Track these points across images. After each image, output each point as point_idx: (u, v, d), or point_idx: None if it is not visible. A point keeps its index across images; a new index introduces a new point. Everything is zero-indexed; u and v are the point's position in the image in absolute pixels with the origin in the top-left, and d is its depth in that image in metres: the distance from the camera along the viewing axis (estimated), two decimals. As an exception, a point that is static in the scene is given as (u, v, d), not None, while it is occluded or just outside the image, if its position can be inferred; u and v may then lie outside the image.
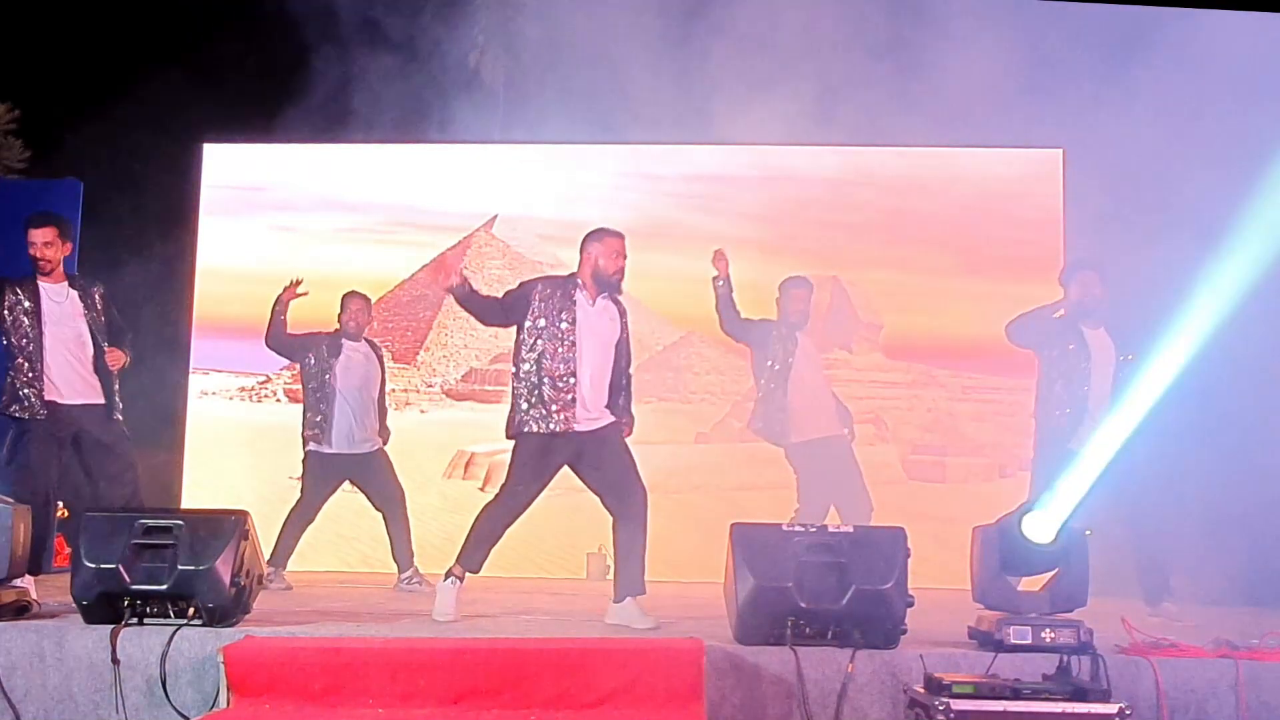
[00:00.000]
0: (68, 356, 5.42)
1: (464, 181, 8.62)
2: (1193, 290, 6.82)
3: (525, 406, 4.85)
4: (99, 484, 5.47)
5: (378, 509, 6.52)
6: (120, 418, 5.52)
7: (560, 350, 4.82)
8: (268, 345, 6.57)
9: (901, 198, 8.21)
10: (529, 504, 4.92)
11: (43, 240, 5.39)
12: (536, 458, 4.85)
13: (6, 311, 5.36)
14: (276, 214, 8.60)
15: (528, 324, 4.90)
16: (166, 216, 8.30)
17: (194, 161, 8.52)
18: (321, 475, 6.49)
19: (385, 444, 6.61)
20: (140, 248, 7.80)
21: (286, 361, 8.30)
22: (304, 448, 6.50)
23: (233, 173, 8.65)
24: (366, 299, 6.65)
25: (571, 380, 4.81)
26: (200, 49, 8.05)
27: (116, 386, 5.52)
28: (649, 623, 4.62)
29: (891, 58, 7.63)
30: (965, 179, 8.20)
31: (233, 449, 8.19)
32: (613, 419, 4.91)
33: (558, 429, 4.79)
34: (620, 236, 4.98)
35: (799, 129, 7.91)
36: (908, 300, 8.10)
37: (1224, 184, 6.63)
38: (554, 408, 4.79)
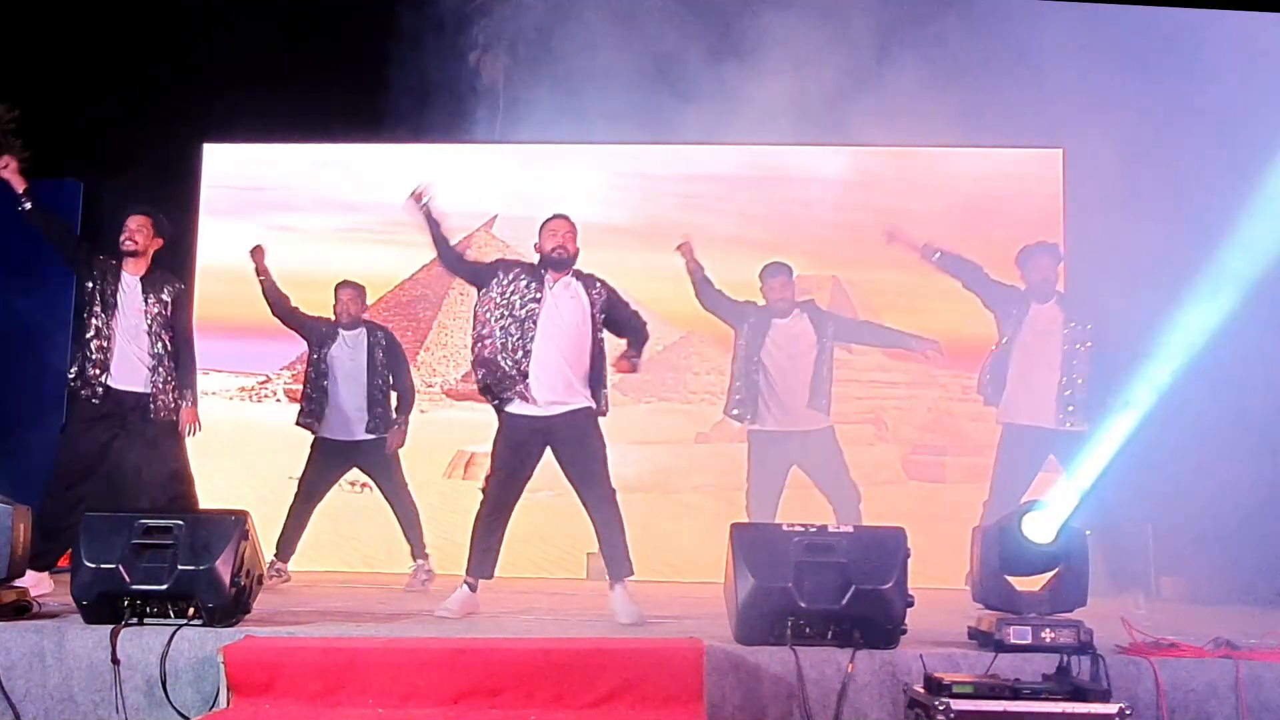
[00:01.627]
0: (126, 345, 5.56)
1: (464, 181, 8.62)
2: (1193, 290, 6.83)
3: (482, 375, 4.99)
4: (142, 486, 5.54)
5: (385, 497, 6.57)
6: (156, 418, 5.56)
7: (518, 330, 4.95)
8: (275, 315, 6.63)
9: (901, 198, 8.21)
10: (515, 494, 5.02)
11: (135, 225, 5.64)
12: (511, 448, 5.00)
13: (91, 284, 5.56)
14: (276, 214, 8.60)
15: (487, 295, 5.05)
16: (166, 216, 8.28)
17: (194, 161, 8.52)
18: (321, 459, 6.55)
19: (398, 429, 6.58)
20: (140, 248, 7.78)
21: (286, 361, 8.34)
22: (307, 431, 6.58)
23: (233, 173, 8.66)
24: (357, 287, 6.70)
25: (524, 360, 4.92)
26: (200, 49, 8.04)
27: (167, 381, 5.60)
28: (631, 617, 4.69)
29: (891, 58, 7.62)
30: (965, 179, 8.20)
31: (233, 449, 8.20)
32: (585, 404, 4.99)
33: (520, 411, 4.93)
34: (558, 217, 5.14)
35: (799, 129, 7.91)
36: (908, 300, 8.10)
37: (1224, 183, 6.65)
38: (511, 384, 4.92)
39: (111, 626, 4.00)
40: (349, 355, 6.58)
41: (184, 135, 8.31)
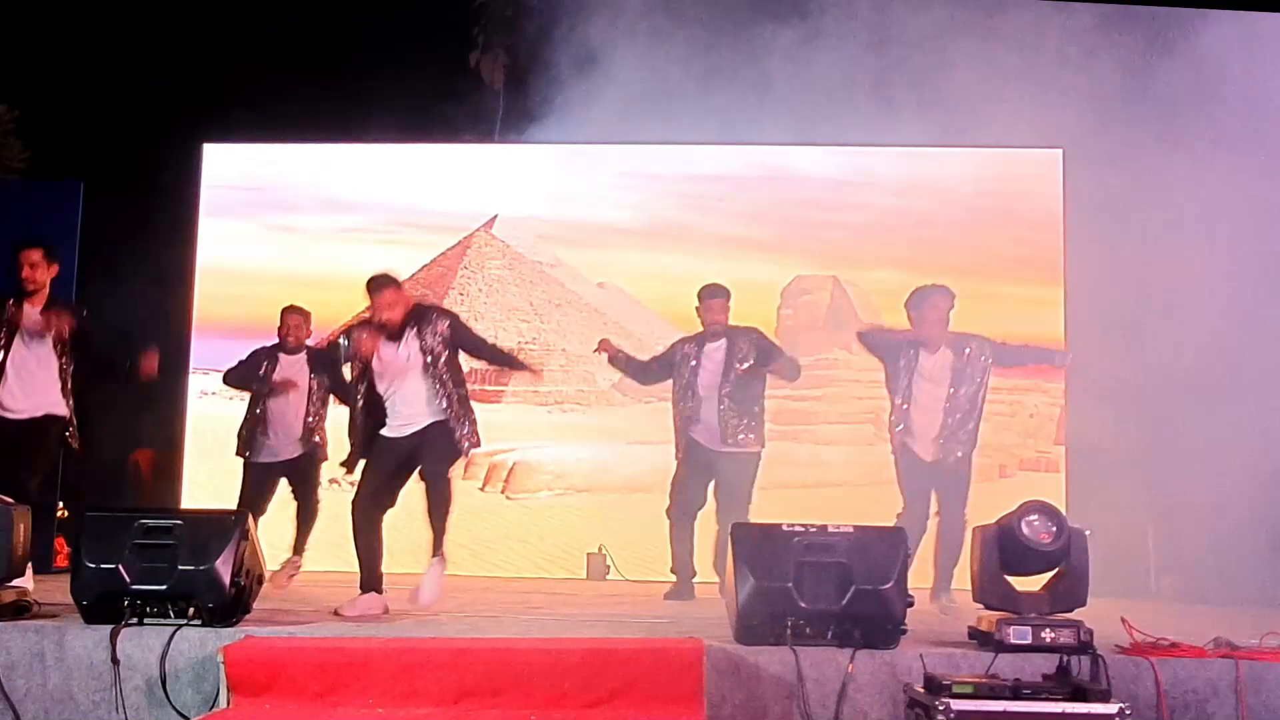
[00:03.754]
0: (33, 372, 5.50)
1: (464, 181, 8.62)
2: (1193, 289, 6.84)
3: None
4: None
5: (298, 500, 6.72)
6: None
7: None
8: (226, 383, 6.83)
9: (901, 198, 8.21)
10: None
11: (31, 262, 5.49)
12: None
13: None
14: (276, 214, 8.60)
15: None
16: (166, 216, 8.29)
17: (194, 161, 8.52)
18: (254, 482, 6.68)
19: (320, 449, 6.68)
20: (140, 248, 7.79)
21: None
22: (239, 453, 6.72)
23: (233, 173, 8.66)
24: (304, 313, 6.72)
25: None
26: (200, 49, 8.04)
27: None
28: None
29: (891, 58, 7.63)
30: (965, 179, 8.20)
31: (233, 449, 8.19)
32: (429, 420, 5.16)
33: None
34: (379, 285, 5.23)
35: (799, 129, 7.91)
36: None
37: (1223, 183, 6.66)
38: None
39: (111, 626, 4.00)
40: (295, 379, 6.62)
41: (184, 135, 8.31)
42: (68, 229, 7.18)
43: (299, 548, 6.72)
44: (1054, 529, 4.11)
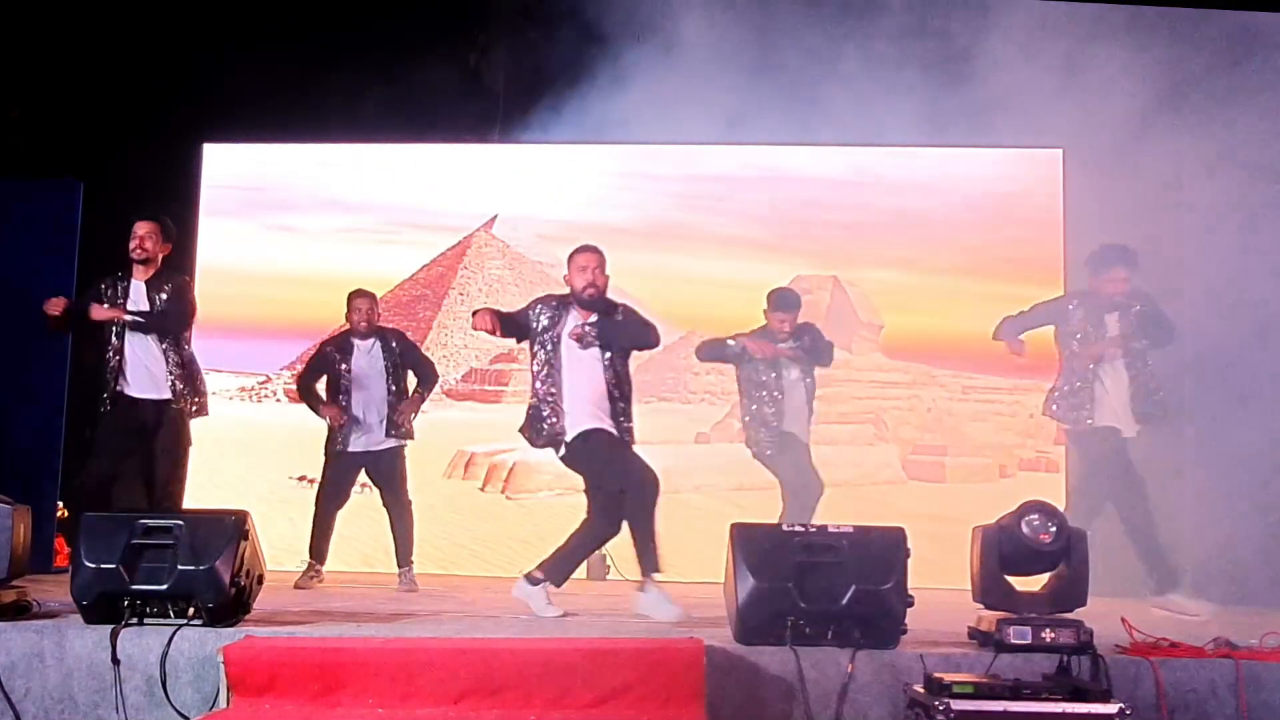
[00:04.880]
0: (138, 354, 5.68)
1: (464, 181, 8.62)
2: (1194, 289, 6.84)
3: (546, 414, 5.00)
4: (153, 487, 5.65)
5: (385, 504, 6.58)
6: (170, 424, 5.69)
7: (551, 365, 4.98)
8: (301, 396, 6.69)
9: (902, 198, 8.21)
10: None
11: (144, 232, 5.73)
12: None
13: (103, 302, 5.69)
14: (276, 214, 8.61)
15: (533, 341, 5.07)
16: (166, 216, 8.28)
17: (194, 161, 8.52)
18: (339, 469, 6.58)
19: (408, 438, 6.63)
20: (140, 248, 7.77)
21: (286, 361, 8.35)
22: (326, 449, 6.58)
23: (233, 173, 8.66)
24: (370, 296, 6.70)
25: (554, 394, 4.96)
26: (200, 49, 8.04)
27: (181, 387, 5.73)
28: (672, 616, 4.79)
29: (892, 58, 7.63)
30: (965, 179, 8.20)
31: (233, 449, 8.19)
32: (592, 425, 4.98)
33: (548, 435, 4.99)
34: (587, 250, 5.07)
35: (799, 129, 7.91)
36: (908, 300, 8.10)
37: (1223, 183, 6.66)
38: (548, 418, 4.97)
39: (111, 626, 4.00)
40: (366, 364, 6.57)
41: (184, 135, 8.31)
42: (68, 229, 7.17)
43: (401, 559, 6.56)
44: (1054, 529, 4.12)
